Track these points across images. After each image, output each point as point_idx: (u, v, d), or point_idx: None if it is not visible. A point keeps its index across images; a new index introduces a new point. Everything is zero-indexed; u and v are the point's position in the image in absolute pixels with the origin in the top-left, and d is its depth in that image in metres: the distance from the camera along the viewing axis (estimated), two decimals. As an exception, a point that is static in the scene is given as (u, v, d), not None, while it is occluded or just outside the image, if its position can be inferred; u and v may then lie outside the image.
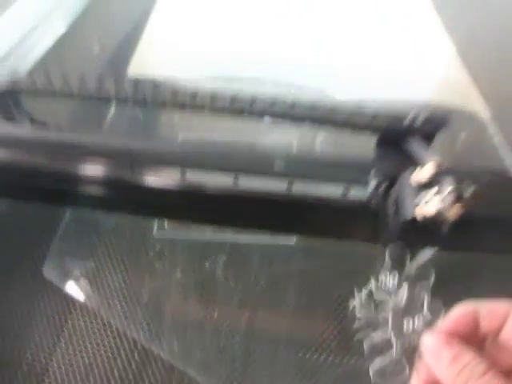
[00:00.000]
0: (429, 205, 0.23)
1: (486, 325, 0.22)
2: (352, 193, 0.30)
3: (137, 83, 0.29)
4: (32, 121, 0.35)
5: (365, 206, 0.30)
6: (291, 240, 0.40)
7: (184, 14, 0.69)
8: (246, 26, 0.68)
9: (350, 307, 0.39)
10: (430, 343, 0.22)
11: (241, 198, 0.32)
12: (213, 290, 0.38)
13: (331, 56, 0.60)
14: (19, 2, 0.69)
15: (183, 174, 0.31)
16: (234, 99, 0.29)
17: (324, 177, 0.30)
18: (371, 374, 0.26)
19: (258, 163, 0.31)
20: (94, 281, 0.38)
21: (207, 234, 0.40)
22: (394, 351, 0.26)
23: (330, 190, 0.30)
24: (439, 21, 0.66)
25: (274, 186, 0.30)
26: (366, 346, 0.27)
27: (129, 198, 0.34)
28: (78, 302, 0.37)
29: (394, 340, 0.26)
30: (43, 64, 0.61)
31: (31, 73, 0.59)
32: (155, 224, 0.40)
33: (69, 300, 0.37)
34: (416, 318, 0.26)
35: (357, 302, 0.38)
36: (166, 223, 0.39)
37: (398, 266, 0.29)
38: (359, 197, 0.30)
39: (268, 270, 0.39)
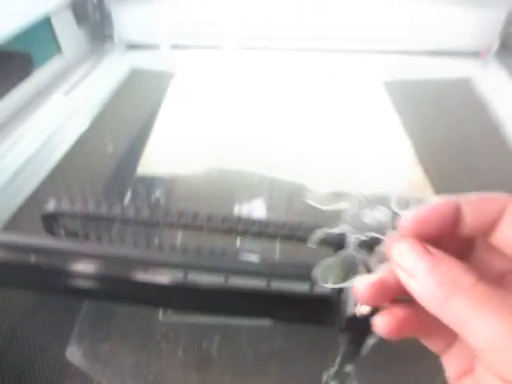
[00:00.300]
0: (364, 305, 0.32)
1: (472, 222, 0.17)
2: (316, 289, 0.39)
3: (152, 209, 0.38)
4: (66, 231, 0.44)
5: (326, 300, 0.39)
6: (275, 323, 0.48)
7: (184, 118, 0.82)
8: (235, 128, 0.80)
9: (323, 379, 0.46)
10: (400, 252, 0.17)
11: (231, 293, 0.40)
12: (209, 367, 0.46)
13: (309, 154, 0.72)
14: (47, 105, 0.82)
15: (185, 274, 0.40)
16: (224, 219, 0.39)
17: (294, 276, 0.39)
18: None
19: (244, 266, 0.40)
20: (109, 361, 0.45)
21: (204, 318, 0.48)
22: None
23: (300, 286, 0.39)
24: (399, 122, 0.79)
25: (257, 283, 0.39)
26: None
27: (141, 293, 0.42)
28: (96, 380, 0.44)
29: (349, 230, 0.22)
30: (66, 161, 0.72)
31: (58, 168, 0.70)
32: (160, 310, 0.48)
33: (88, 379, 0.44)
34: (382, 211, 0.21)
35: (328, 374, 0.46)
36: (169, 310, 0.48)
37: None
38: (322, 292, 0.39)
39: (255, 347, 0.47)
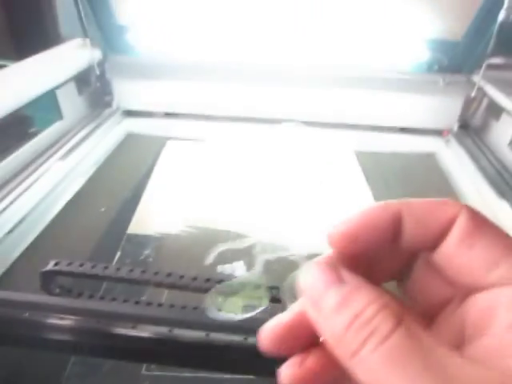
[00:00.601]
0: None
1: (413, 234, 0.14)
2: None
3: (143, 270, 0.43)
4: (61, 288, 0.48)
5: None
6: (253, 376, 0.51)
7: (175, 182, 0.89)
8: (223, 193, 0.87)
9: None
10: (308, 279, 0.13)
11: (211, 347, 0.44)
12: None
13: (283, 218, 0.79)
14: (44, 167, 0.88)
15: (171, 330, 0.44)
16: (207, 280, 0.44)
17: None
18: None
19: (223, 323, 0.44)
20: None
21: (186, 371, 0.51)
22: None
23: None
24: (368, 190, 0.87)
25: (235, 338, 0.43)
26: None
27: (129, 348, 0.46)
28: None
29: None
30: (60, 220, 0.77)
31: (52, 227, 0.75)
32: (144, 364, 0.51)
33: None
34: None
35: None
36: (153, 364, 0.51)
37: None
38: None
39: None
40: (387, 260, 0.15)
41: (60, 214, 0.79)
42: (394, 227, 0.14)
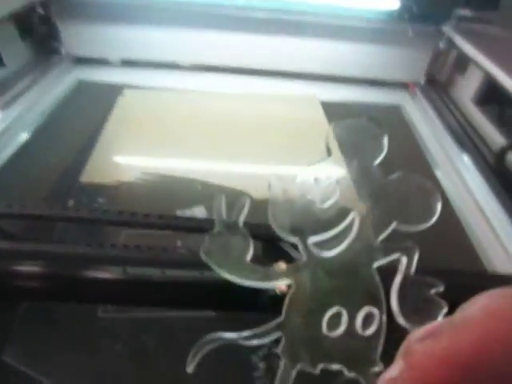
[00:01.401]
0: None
1: None
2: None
3: (91, 209, 0.41)
4: (3, 234, 0.45)
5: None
6: (211, 312, 0.52)
7: (131, 130, 0.85)
8: (181, 140, 0.84)
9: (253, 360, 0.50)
10: None
11: (167, 284, 0.43)
12: (147, 361, 0.48)
13: (252, 165, 0.77)
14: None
15: (124, 270, 0.43)
16: (160, 217, 0.42)
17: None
18: None
19: (177, 257, 0.44)
20: (48, 359, 0.46)
21: (143, 312, 0.50)
22: None
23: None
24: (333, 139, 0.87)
25: (191, 274, 0.43)
26: None
27: (83, 290, 0.44)
28: (37, 378, 0.45)
29: None
30: (6, 170, 0.72)
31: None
32: (100, 306, 0.50)
33: (28, 378, 0.45)
34: None
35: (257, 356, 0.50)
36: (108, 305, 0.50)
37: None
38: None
39: (193, 339, 0.50)
40: None
41: (4, 166, 0.73)
42: None
